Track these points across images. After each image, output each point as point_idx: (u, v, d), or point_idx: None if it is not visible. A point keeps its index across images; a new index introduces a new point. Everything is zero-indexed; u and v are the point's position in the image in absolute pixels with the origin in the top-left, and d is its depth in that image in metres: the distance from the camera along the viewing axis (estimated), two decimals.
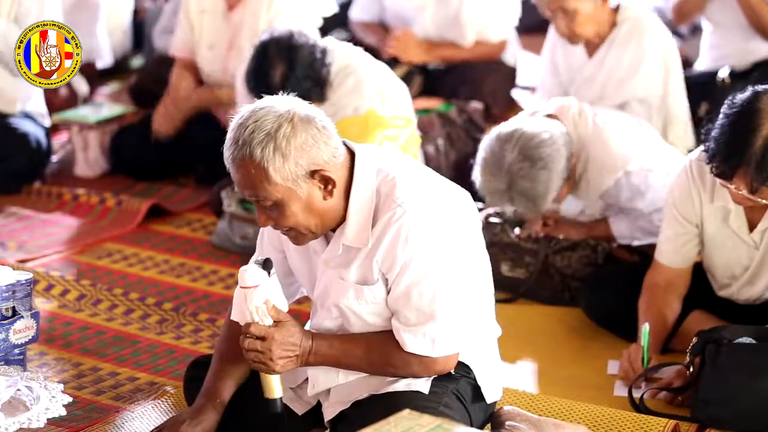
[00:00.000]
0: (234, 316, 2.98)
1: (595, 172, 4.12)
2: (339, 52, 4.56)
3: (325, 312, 3.07)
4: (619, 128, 4.20)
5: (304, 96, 4.42)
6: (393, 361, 2.99)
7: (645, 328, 3.55)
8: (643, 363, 3.56)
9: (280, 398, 3.00)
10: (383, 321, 3.01)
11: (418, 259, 2.90)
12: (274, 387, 2.99)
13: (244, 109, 2.91)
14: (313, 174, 2.88)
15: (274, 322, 2.95)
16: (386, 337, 2.99)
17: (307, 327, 3.14)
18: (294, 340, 2.96)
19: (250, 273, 2.92)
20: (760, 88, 3.37)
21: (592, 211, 4.31)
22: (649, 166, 4.09)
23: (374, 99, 4.49)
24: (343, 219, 2.95)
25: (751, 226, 3.58)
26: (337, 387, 3.08)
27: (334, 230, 2.98)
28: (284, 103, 2.91)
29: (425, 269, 2.91)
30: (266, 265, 2.93)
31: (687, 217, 3.64)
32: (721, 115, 3.40)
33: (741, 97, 3.37)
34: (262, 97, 4.61)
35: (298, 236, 2.97)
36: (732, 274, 3.68)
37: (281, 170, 2.85)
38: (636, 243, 4.21)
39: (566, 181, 4.07)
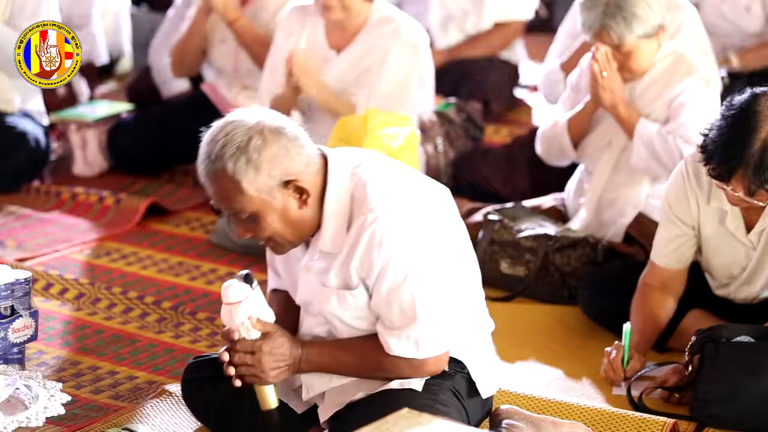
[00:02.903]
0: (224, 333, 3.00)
1: (677, 65, 4.15)
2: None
3: (312, 318, 3.07)
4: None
5: None
6: (383, 365, 3.00)
7: (626, 328, 3.54)
8: (623, 363, 3.56)
9: (277, 408, 3.00)
10: (369, 324, 3.01)
11: (395, 262, 2.90)
12: (269, 398, 3.00)
13: (215, 123, 2.92)
14: (286, 184, 2.88)
15: (262, 334, 2.96)
16: (374, 343, 2.99)
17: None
18: (283, 350, 2.97)
19: (232, 289, 2.92)
20: (758, 90, 3.35)
21: (656, 118, 4.19)
22: (714, 96, 4.12)
23: (404, 49, 4.52)
24: (320, 225, 2.95)
25: (748, 227, 3.57)
26: (331, 390, 3.08)
27: (314, 235, 2.99)
28: (254, 115, 2.90)
29: (403, 272, 2.91)
30: (248, 278, 2.94)
31: (683, 218, 3.63)
32: (719, 116, 3.39)
33: (739, 98, 3.35)
34: None
35: (276, 246, 2.99)
36: (730, 274, 3.68)
37: (254, 183, 2.86)
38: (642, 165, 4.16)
39: (657, 36, 4.09)
